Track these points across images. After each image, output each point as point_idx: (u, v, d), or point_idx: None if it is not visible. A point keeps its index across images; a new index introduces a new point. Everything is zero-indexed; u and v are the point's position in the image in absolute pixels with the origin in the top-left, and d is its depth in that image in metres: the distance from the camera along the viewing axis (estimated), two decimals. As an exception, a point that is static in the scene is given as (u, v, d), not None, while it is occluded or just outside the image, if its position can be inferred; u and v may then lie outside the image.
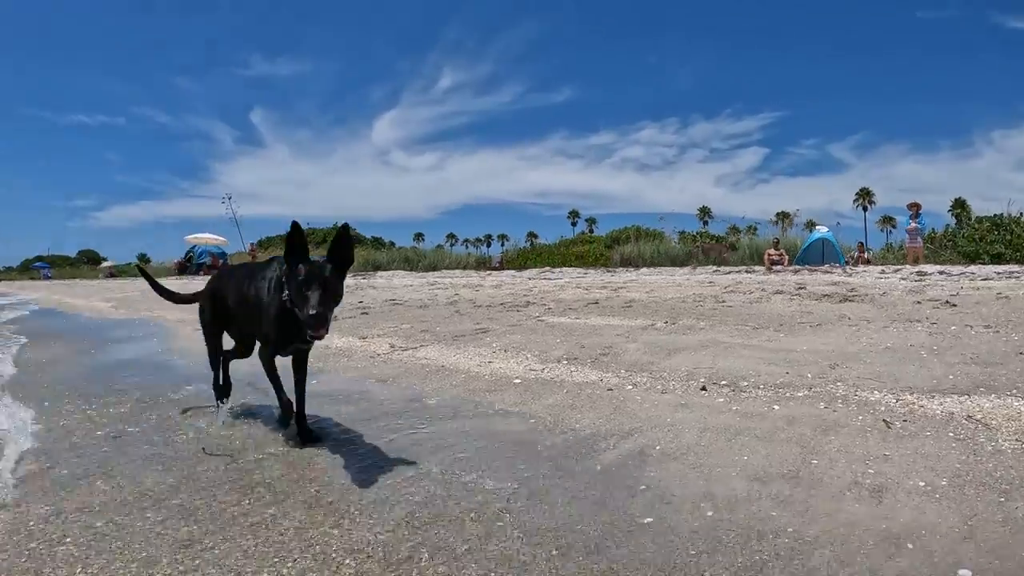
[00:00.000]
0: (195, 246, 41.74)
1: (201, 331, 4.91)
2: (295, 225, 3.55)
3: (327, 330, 3.39)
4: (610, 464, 3.58)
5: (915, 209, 22.40)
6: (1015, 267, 15.37)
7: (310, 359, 4.36)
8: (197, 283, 18.15)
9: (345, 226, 3.66)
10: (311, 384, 4.70)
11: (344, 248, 3.67)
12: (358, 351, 7.28)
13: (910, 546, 2.55)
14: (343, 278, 3.68)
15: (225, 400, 4.85)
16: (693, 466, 3.48)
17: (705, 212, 74.44)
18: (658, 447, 3.78)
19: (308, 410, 4.28)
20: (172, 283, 16.63)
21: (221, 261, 38.28)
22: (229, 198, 43.17)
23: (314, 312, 3.32)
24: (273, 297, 3.88)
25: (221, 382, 4.93)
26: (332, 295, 3.50)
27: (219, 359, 4.90)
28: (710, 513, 2.93)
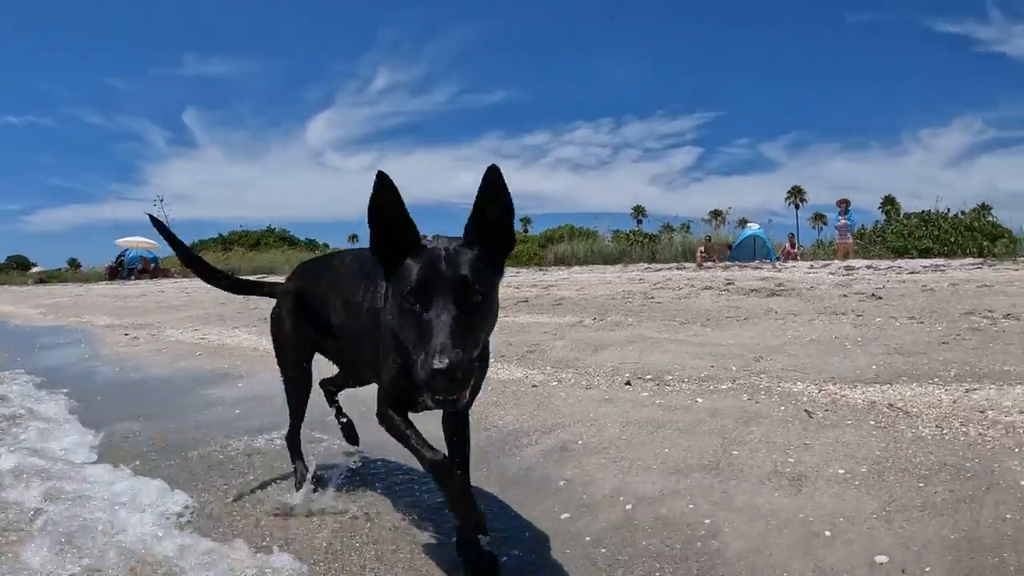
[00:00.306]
0: (126, 250, 40.65)
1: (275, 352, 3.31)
2: (382, 177, 2.12)
3: (467, 390, 1.92)
4: (531, 460, 3.53)
5: (844, 206, 22.92)
6: (941, 261, 15.79)
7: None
8: (129, 289, 17.75)
9: (493, 169, 2.11)
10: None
11: (499, 216, 2.15)
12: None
13: (828, 533, 2.54)
14: (497, 279, 2.16)
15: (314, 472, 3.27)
16: (614, 459, 3.44)
17: (639, 211, 75.48)
18: (580, 442, 3.75)
19: None
20: (103, 289, 16.20)
21: (153, 266, 37.37)
22: (161, 200, 42.23)
23: (438, 365, 1.79)
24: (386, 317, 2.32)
25: (341, 426, 3.60)
26: (476, 319, 2.00)
27: (303, 399, 3.27)
28: (629, 507, 2.89)
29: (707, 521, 2.70)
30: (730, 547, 2.49)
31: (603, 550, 2.55)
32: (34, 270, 59.35)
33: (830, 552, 2.41)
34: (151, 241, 40.56)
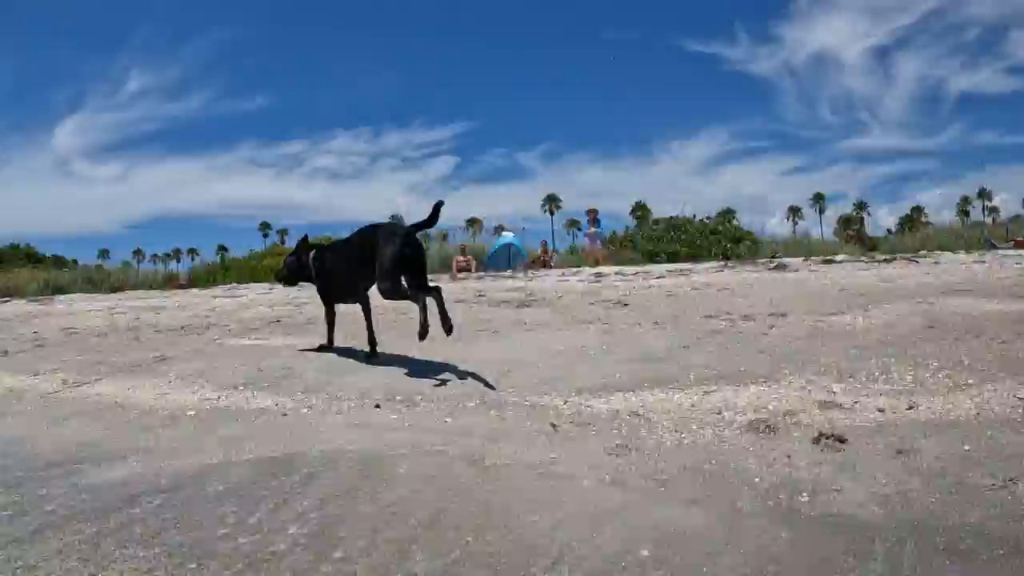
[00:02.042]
0: None
1: None
2: None
3: None
4: (278, 495, 3.45)
5: (593, 215, 24.11)
6: (687, 264, 16.92)
7: None
8: None
9: None
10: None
11: None
12: (30, 391, 6.55)
13: (574, 544, 2.65)
14: None
15: None
16: (364, 481, 3.43)
17: (395, 220, 75.56)
18: (327, 469, 3.72)
19: None
20: None
21: None
22: None
23: None
24: None
25: None
26: None
27: None
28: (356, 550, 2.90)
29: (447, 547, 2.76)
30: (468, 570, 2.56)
31: None
32: None
33: (567, 566, 2.53)
34: None
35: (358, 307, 6.92)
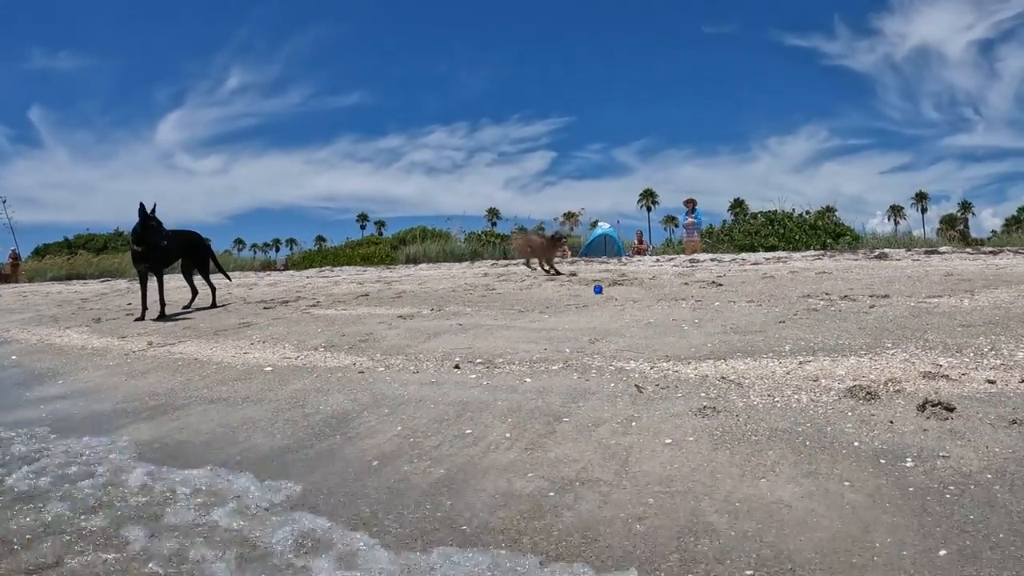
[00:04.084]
0: None
1: None
2: None
3: None
4: (347, 442, 3.43)
5: (691, 205, 23.58)
6: (784, 253, 16.41)
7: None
8: None
9: None
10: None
11: None
12: (114, 350, 6.80)
13: (651, 501, 2.48)
14: None
15: None
16: (435, 434, 3.30)
17: (493, 213, 75.82)
18: (403, 419, 3.73)
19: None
20: None
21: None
22: (3, 201, 39.47)
23: None
24: None
25: None
26: None
27: None
28: (441, 472, 2.75)
29: (513, 485, 2.64)
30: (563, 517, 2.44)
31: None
32: None
33: (657, 518, 2.39)
34: (-11, 246, 37.99)
35: (449, 283, 6.85)
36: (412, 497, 2.76)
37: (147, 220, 8.30)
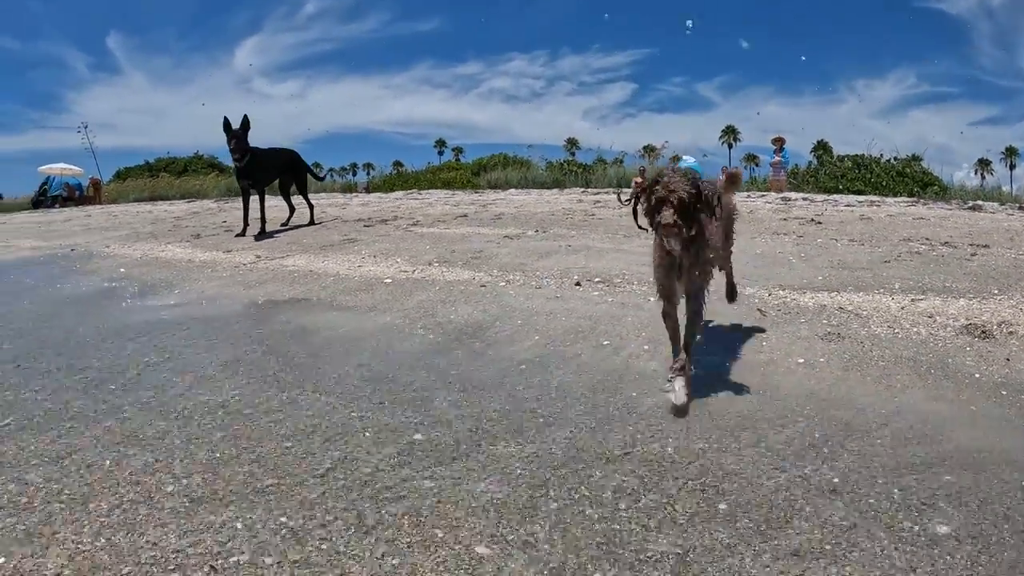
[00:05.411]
0: (50, 176, 38.69)
1: None
2: None
3: None
4: (487, 347, 3.65)
5: (779, 143, 23.14)
6: (875, 198, 16.22)
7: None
8: (53, 215, 17.07)
9: None
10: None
11: None
12: (223, 263, 7.09)
13: (795, 407, 2.69)
14: None
15: None
16: (572, 343, 3.54)
17: (573, 143, 74.84)
18: (538, 329, 3.89)
19: None
20: (26, 219, 15.59)
21: (77, 193, 35.72)
22: (85, 127, 40.15)
23: None
24: None
25: None
26: None
27: None
28: (597, 378, 2.99)
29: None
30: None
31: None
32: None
33: (797, 429, 2.56)
34: (75, 168, 38.85)
35: (545, 207, 7.00)
36: (575, 397, 3.04)
37: (242, 131, 8.32)
